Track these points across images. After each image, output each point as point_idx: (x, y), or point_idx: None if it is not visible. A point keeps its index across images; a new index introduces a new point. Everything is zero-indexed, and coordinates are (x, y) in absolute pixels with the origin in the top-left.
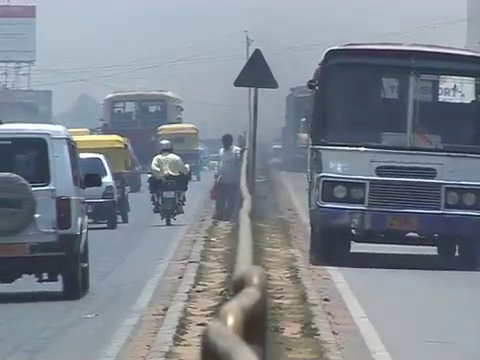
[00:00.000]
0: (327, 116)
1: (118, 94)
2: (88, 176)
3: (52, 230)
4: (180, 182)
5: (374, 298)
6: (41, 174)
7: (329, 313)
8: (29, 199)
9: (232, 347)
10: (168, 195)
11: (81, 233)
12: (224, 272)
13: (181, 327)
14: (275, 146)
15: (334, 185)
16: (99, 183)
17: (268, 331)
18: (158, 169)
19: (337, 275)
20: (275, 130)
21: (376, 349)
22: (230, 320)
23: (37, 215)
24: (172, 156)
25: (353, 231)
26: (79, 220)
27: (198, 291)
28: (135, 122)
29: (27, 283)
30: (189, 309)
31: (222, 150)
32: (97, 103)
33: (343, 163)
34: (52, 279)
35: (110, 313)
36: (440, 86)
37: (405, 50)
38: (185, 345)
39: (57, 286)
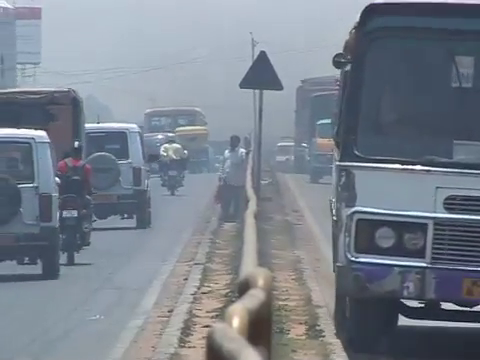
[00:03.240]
0: (364, 114)
1: (155, 109)
2: (150, 155)
3: (130, 187)
4: (181, 164)
5: None
6: (123, 153)
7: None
8: (116, 168)
9: (237, 349)
10: (172, 173)
11: (147, 189)
12: (229, 274)
13: (186, 329)
14: (280, 144)
15: (376, 227)
16: (157, 160)
17: (273, 333)
18: (165, 154)
19: None
20: (281, 125)
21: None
22: (235, 322)
23: (120, 178)
24: (175, 145)
25: (405, 301)
26: (146, 181)
27: (203, 293)
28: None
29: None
30: (194, 311)
31: (227, 152)
32: (102, 104)
33: (390, 191)
34: (130, 217)
35: (115, 315)
36: None
37: None
38: (190, 347)
39: (132, 223)
